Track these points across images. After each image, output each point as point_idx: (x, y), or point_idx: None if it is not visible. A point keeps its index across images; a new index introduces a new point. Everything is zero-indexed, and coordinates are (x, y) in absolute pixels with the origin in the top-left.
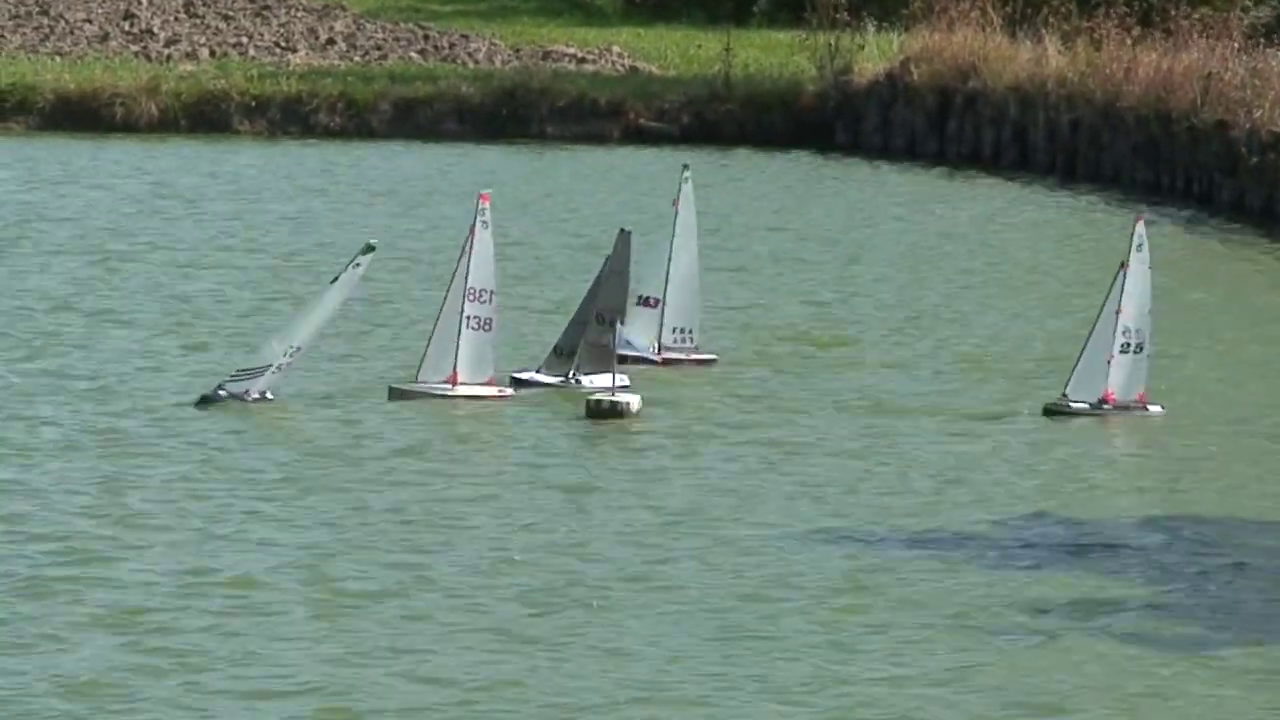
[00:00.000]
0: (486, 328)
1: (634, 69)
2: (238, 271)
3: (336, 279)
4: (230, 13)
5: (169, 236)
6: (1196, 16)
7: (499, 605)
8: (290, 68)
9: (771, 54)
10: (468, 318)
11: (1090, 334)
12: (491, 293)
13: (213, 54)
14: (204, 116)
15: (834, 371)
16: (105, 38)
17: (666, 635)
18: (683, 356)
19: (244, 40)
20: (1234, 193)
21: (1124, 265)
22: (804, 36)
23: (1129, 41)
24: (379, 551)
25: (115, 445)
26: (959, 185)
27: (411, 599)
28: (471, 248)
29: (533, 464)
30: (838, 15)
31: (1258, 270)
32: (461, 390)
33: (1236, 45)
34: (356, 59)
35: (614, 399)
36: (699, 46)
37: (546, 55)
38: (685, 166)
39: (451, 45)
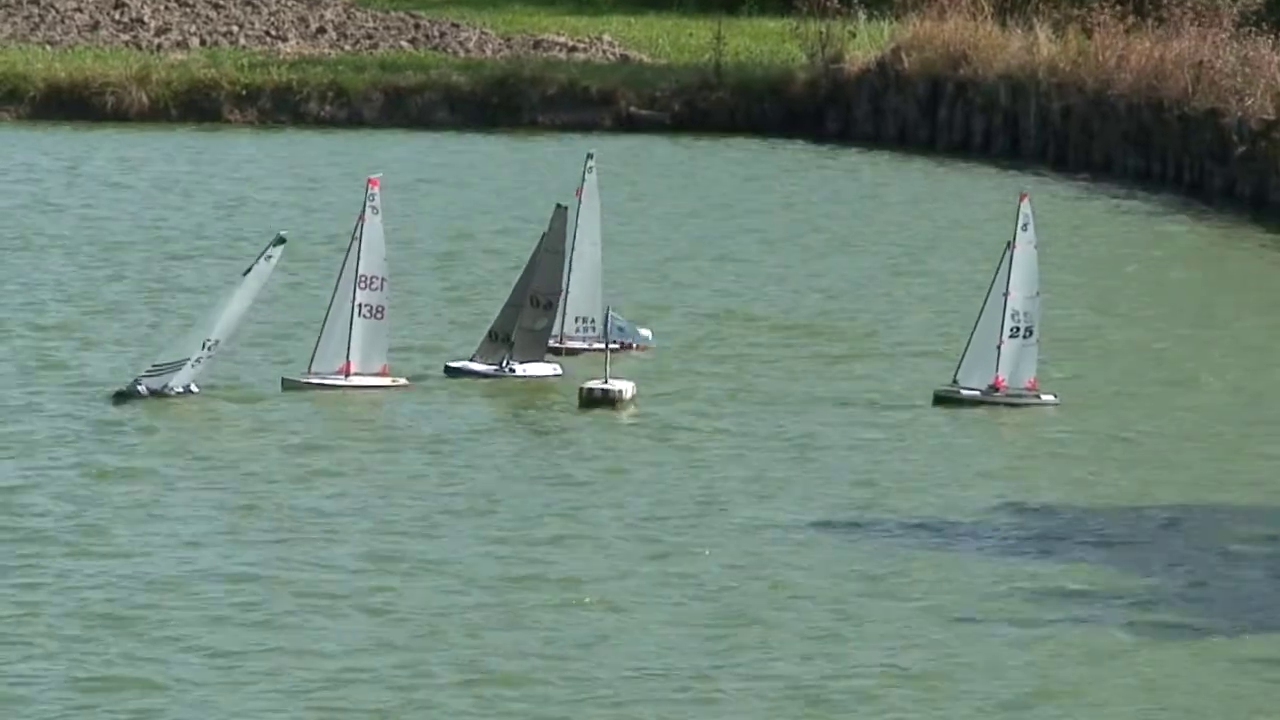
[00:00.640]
0: (379, 315)
1: (625, 57)
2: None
3: (249, 271)
4: (220, 2)
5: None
6: (1188, 5)
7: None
8: (280, 57)
9: (763, 42)
10: (359, 305)
11: (979, 318)
12: (383, 279)
13: (203, 43)
14: (194, 106)
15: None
16: (95, 26)
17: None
18: (584, 346)
19: (234, 29)
20: (1225, 180)
21: (1010, 245)
22: (795, 25)
23: (1121, 29)
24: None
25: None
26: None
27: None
28: (361, 234)
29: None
30: (829, 3)
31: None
32: (355, 381)
33: (1227, 33)
34: (347, 48)
35: (606, 387)
36: (690, 35)
37: (537, 44)
38: (590, 155)
39: (442, 34)
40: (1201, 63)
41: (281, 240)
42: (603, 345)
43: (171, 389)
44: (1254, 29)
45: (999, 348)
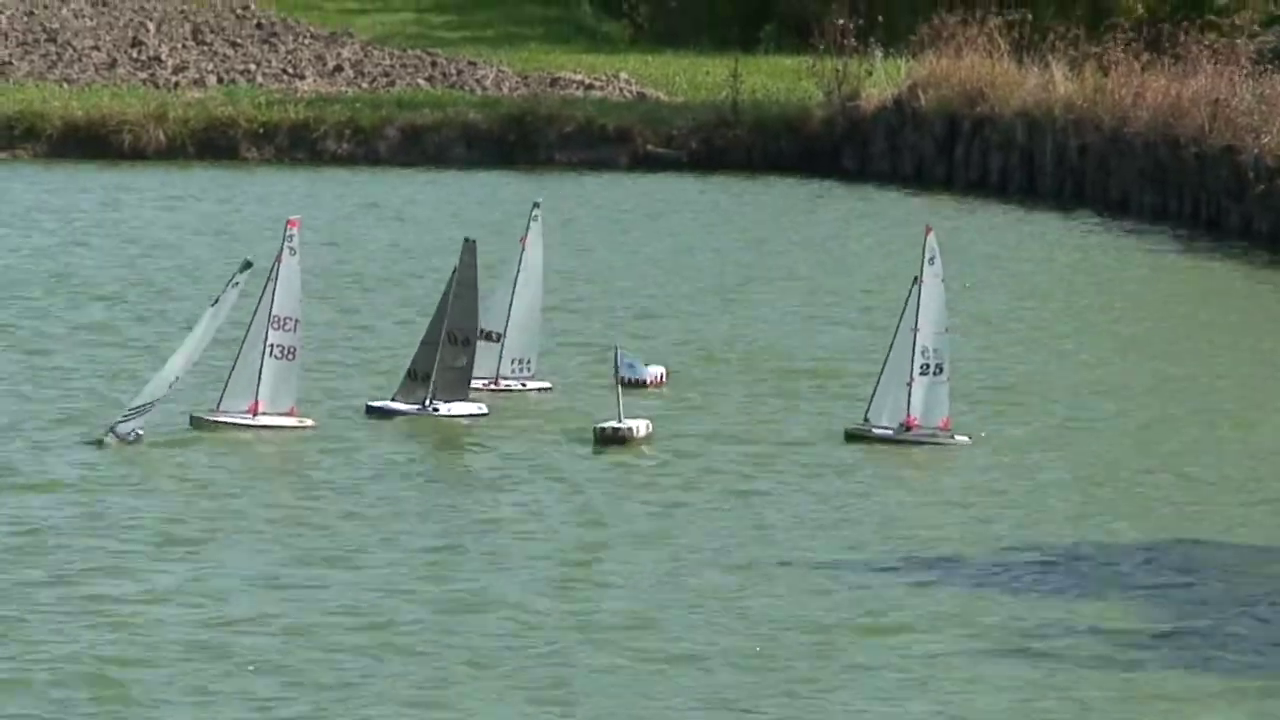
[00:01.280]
0: (290, 356)
1: (642, 95)
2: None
3: (216, 300)
4: (238, 40)
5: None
6: (1205, 42)
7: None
8: (298, 95)
9: (779, 80)
10: (271, 346)
11: (888, 355)
12: (296, 321)
13: (220, 81)
14: (212, 144)
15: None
16: (113, 65)
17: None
18: (518, 386)
19: (252, 67)
20: (1241, 217)
21: (917, 279)
22: (811, 62)
23: (1137, 67)
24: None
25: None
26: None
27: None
28: (277, 275)
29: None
30: (845, 41)
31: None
32: (262, 420)
33: (1244, 70)
34: (364, 86)
35: (617, 425)
36: (706, 73)
37: (554, 82)
38: (536, 205)
39: (459, 72)
40: (1218, 100)
41: (248, 265)
42: (536, 385)
43: (132, 436)
44: (1271, 66)
45: (909, 385)
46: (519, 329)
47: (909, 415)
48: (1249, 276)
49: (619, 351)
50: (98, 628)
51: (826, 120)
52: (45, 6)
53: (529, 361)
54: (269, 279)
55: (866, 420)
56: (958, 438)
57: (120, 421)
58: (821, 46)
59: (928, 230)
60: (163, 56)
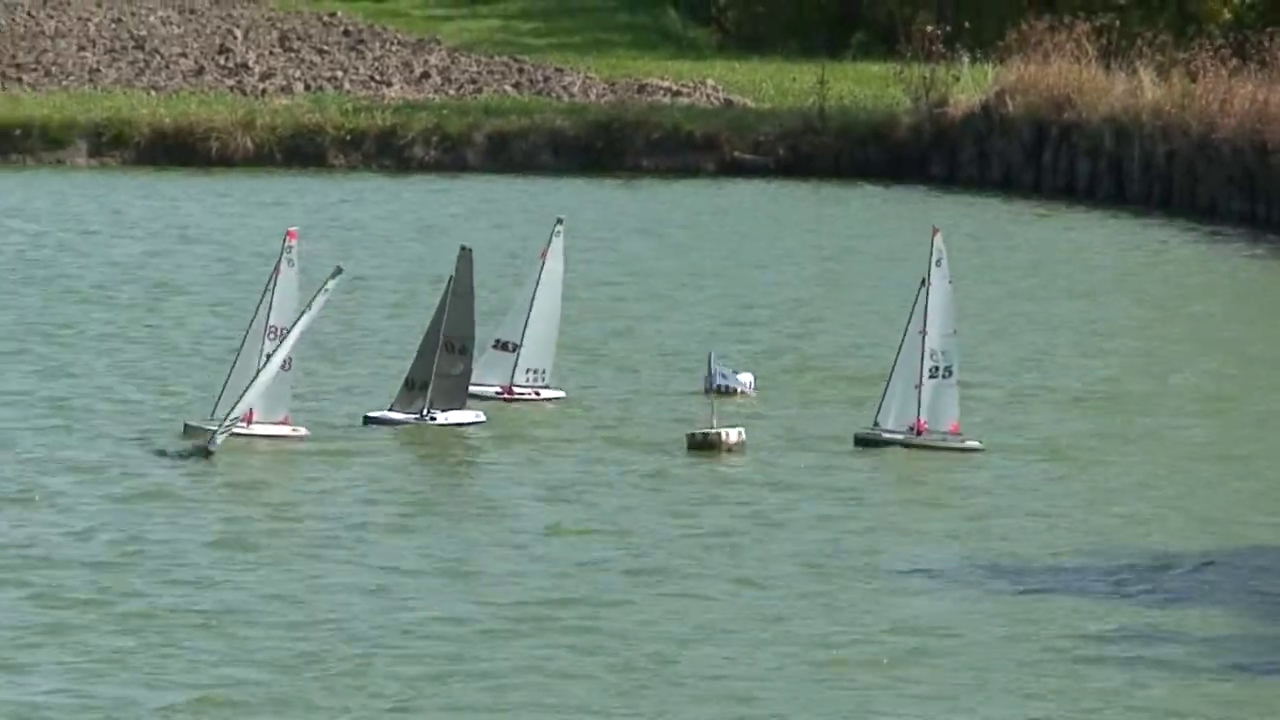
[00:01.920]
0: (286, 366)
1: (729, 102)
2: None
3: (308, 307)
4: (325, 47)
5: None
6: None
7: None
8: (385, 101)
9: (866, 86)
10: (267, 356)
11: (896, 358)
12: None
13: (307, 88)
14: (299, 150)
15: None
16: (200, 72)
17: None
18: (530, 395)
19: (339, 74)
20: None
21: (925, 282)
22: (899, 69)
23: (1224, 73)
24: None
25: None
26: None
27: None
28: (275, 285)
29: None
30: (933, 47)
31: None
32: (256, 429)
33: None
34: (451, 92)
35: (709, 431)
36: (793, 79)
37: (641, 88)
38: (559, 220)
39: (546, 78)
40: None
41: (339, 271)
42: (550, 394)
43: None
44: None
45: (918, 388)
46: (535, 340)
47: (919, 419)
48: None
49: (712, 359)
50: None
51: (914, 127)
52: (133, 14)
53: (543, 372)
54: (266, 289)
55: (876, 425)
56: (969, 442)
57: (220, 431)
58: (909, 53)
59: (934, 232)
60: (250, 64)
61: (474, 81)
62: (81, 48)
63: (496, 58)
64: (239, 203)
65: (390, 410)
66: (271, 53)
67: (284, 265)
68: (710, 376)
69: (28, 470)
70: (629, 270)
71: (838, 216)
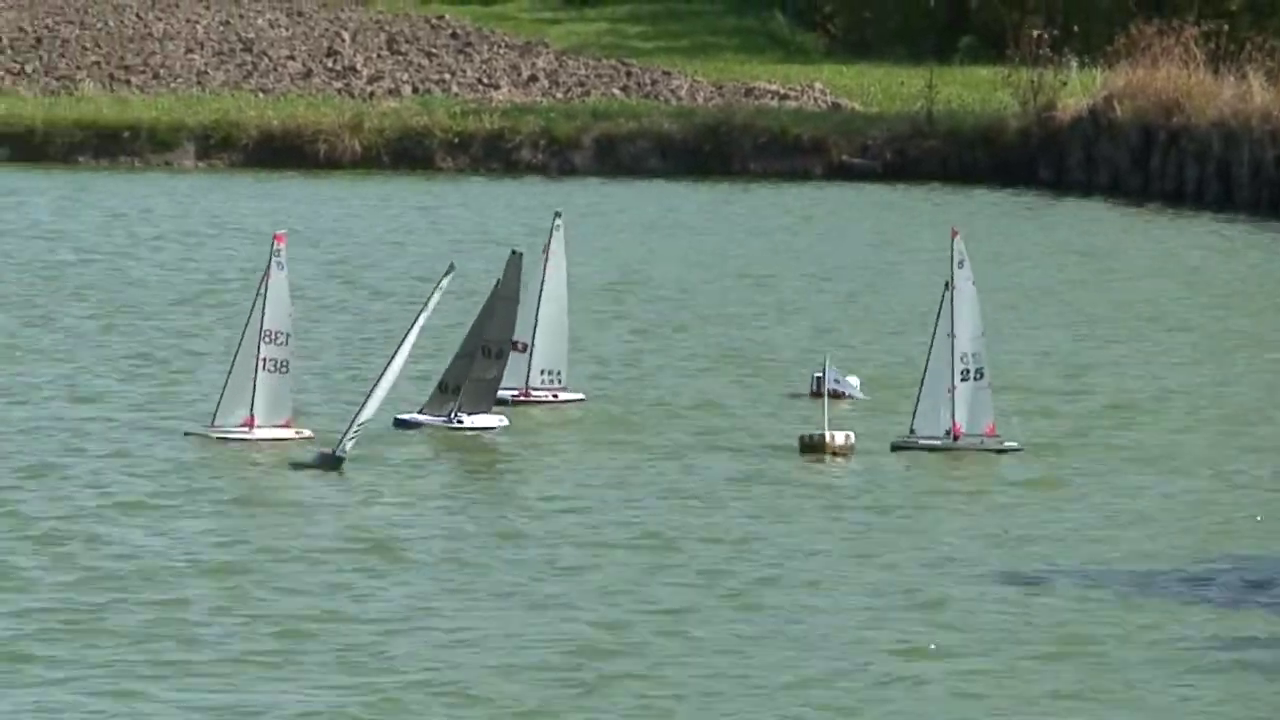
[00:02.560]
0: (283, 370)
1: (836, 105)
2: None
3: (423, 307)
4: (433, 49)
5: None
6: None
7: None
8: (492, 104)
9: (974, 90)
10: (263, 360)
11: (927, 363)
12: (287, 335)
13: (415, 91)
14: (407, 153)
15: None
16: (308, 74)
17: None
18: (548, 397)
19: (446, 77)
20: None
21: (949, 285)
22: (1006, 73)
23: None
24: None
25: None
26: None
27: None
28: (266, 289)
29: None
30: (1040, 52)
31: None
32: (259, 434)
33: None
34: (558, 95)
35: (820, 433)
36: (901, 83)
37: (749, 92)
38: (557, 214)
39: (654, 82)
40: None
41: (452, 269)
42: (568, 396)
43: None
44: None
45: (951, 392)
46: (546, 340)
47: (954, 423)
48: None
49: (826, 362)
50: None
51: (1021, 131)
52: (241, 17)
53: (559, 373)
54: (257, 294)
55: (913, 431)
56: (1007, 444)
57: (348, 438)
58: (1016, 57)
59: (954, 233)
60: (358, 66)
61: (582, 84)
62: (189, 50)
63: (604, 61)
64: (360, 206)
65: (420, 412)
66: (379, 55)
67: (274, 269)
68: (821, 380)
69: (168, 477)
70: (742, 273)
71: (950, 221)
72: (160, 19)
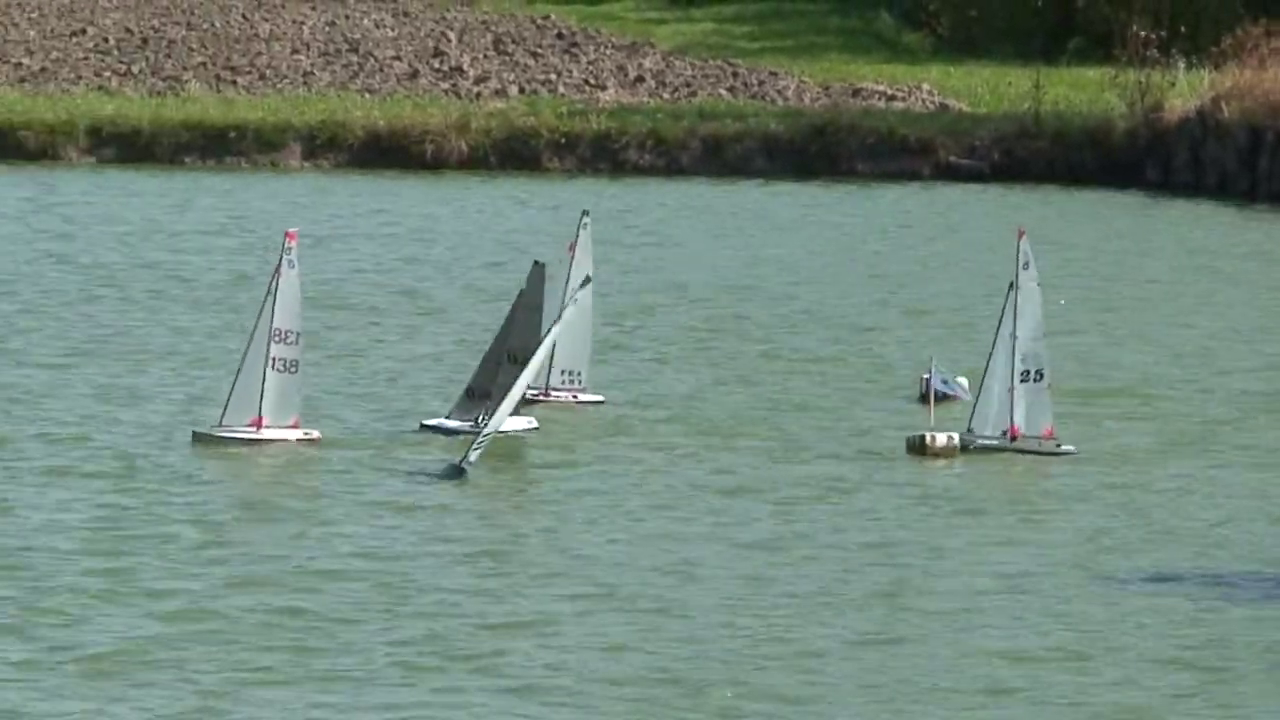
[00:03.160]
0: (292, 369)
1: (944, 106)
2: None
3: (558, 318)
4: (539, 50)
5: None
6: None
7: None
8: (599, 105)
9: (1081, 91)
10: (273, 360)
11: (988, 363)
12: (298, 334)
13: (522, 91)
14: (514, 154)
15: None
16: (414, 75)
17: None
18: (568, 397)
19: (553, 77)
20: None
21: (1013, 285)
22: (1114, 74)
23: None
24: None
25: None
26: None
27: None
28: (277, 288)
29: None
30: (1148, 53)
31: None
32: (267, 434)
33: None
34: (665, 96)
35: (924, 434)
36: (1009, 84)
37: (856, 92)
38: (585, 213)
39: (760, 82)
40: None
41: (588, 280)
42: (587, 398)
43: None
44: None
45: (1010, 393)
46: (566, 340)
47: (1012, 424)
48: None
49: (933, 364)
50: None
51: (1129, 132)
52: (347, 17)
53: (579, 374)
54: (268, 293)
55: (970, 430)
56: (1064, 447)
57: (476, 447)
58: (1124, 58)
59: (1020, 234)
60: (464, 67)
61: (688, 85)
62: (295, 51)
63: (710, 62)
64: (471, 206)
65: (448, 418)
66: (485, 56)
67: (284, 267)
68: (928, 381)
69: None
70: (852, 274)
71: (1052, 222)
72: (266, 19)
